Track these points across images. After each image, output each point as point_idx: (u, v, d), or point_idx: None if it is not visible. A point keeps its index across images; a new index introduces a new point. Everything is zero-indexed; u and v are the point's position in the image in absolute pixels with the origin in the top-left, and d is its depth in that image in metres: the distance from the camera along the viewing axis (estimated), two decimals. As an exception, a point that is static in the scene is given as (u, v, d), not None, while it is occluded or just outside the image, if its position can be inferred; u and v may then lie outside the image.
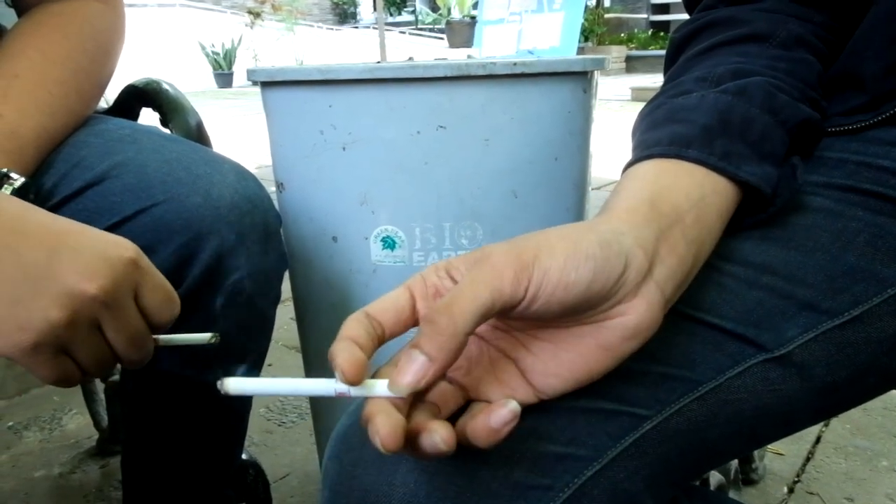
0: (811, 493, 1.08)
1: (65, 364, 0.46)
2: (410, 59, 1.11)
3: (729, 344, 0.41)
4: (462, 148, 0.78)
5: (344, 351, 0.31)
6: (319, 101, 0.79)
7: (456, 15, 12.15)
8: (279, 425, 1.32)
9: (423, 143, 0.77)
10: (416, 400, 0.34)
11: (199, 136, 0.82)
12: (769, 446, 1.18)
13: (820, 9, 0.49)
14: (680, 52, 0.52)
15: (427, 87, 0.76)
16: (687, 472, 0.42)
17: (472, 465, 0.36)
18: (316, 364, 0.97)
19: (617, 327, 0.34)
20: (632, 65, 10.81)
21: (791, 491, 1.09)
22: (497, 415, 0.31)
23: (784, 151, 0.43)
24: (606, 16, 11.74)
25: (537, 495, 0.36)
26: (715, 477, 0.95)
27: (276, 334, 0.72)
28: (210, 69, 11.58)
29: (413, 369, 0.30)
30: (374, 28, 10.58)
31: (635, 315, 0.34)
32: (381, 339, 0.33)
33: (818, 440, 1.22)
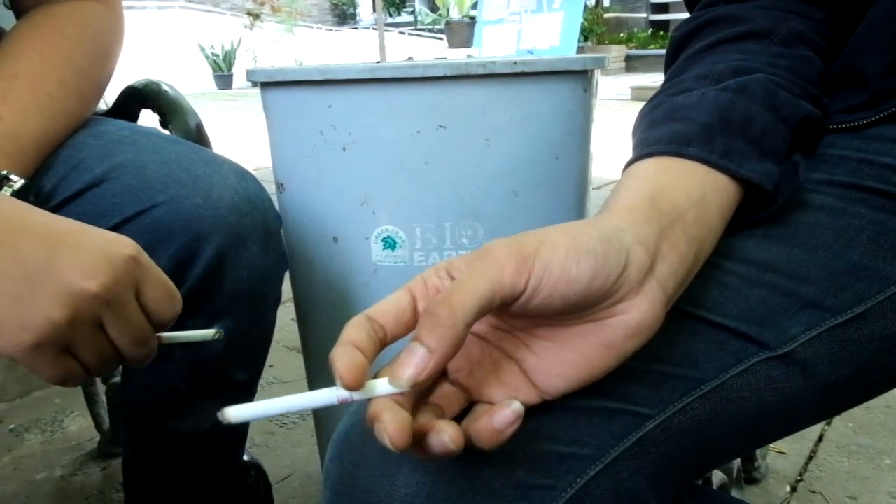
0: (814, 492, 1.08)
1: (68, 363, 0.45)
2: (410, 59, 1.11)
3: (732, 342, 0.41)
4: (462, 147, 0.78)
5: (343, 355, 0.31)
6: (319, 102, 0.79)
7: (455, 15, 12.16)
8: (281, 426, 1.32)
9: (423, 142, 0.77)
10: (419, 402, 0.34)
11: (198, 137, 0.82)
12: (771, 445, 1.18)
13: (821, 6, 0.49)
14: (680, 50, 0.52)
15: (427, 87, 0.76)
16: (690, 471, 0.42)
17: (475, 465, 0.36)
18: (317, 365, 0.97)
19: (619, 325, 0.34)
20: (631, 64, 10.81)
21: (794, 490, 1.09)
22: (501, 416, 0.31)
23: (785, 149, 0.43)
24: (606, 15, 11.74)
25: (540, 495, 0.36)
26: (717, 476, 0.95)
27: (276, 335, 0.72)
28: (210, 71, 11.59)
29: (413, 362, 0.30)
30: (374, 29, 10.59)
31: (637, 313, 0.34)
32: (383, 342, 0.33)
33: (821, 439, 1.22)
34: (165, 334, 0.50)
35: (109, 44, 0.70)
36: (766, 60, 0.45)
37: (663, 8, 12.46)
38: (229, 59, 11.64)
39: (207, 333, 0.50)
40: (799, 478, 1.12)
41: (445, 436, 0.30)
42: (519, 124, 0.78)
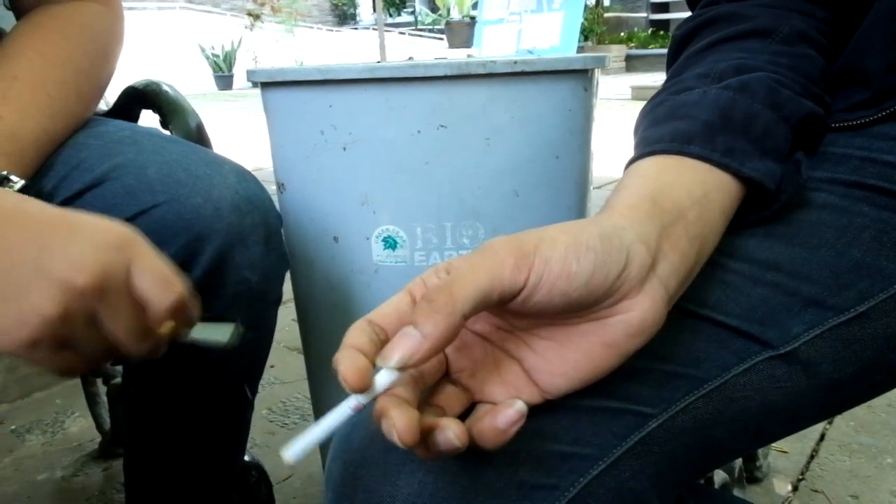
0: (816, 491, 1.08)
1: (67, 358, 0.45)
2: (410, 58, 1.11)
3: (734, 341, 0.41)
4: (463, 147, 0.78)
5: (346, 359, 0.30)
6: (319, 102, 0.79)
7: (455, 15, 12.16)
8: (282, 427, 1.32)
9: (423, 142, 0.77)
10: (421, 402, 0.33)
11: (199, 137, 0.82)
12: (773, 444, 1.18)
13: (823, 5, 0.49)
14: (682, 48, 0.52)
15: (427, 87, 0.76)
16: (693, 471, 0.42)
17: (477, 465, 0.36)
18: (318, 365, 0.97)
19: (621, 324, 0.34)
20: (632, 64, 10.81)
21: (795, 489, 1.09)
22: (503, 415, 0.31)
23: (787, 147, 0.42)
24: (606, 15, 11.74)
25: (542, 495, 0.36)
26: (719, 475, 0.95)
27: (277, 335, 0.72)
28: (210, 71, 11.60)
29: (406, 343, 0.30)
30: (374, 29, 10.59)
31: (639, 311, 0.34)
32: (385, 345, 0.33)
33: (822, 438, 1.21)
34: (191, 333, 0.49)
35: (109, 44, 0.70)
36: (768, 59, 0.45)
37: (663, 7, 12.47)
38: (229, 59, 11.65)
39: (222, 336, 0.49)
40: (801, 477, 1.12)
41: (450, 432, 0.30)
42: (519, 124, 0.78)
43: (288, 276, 0.77)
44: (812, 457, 1.17)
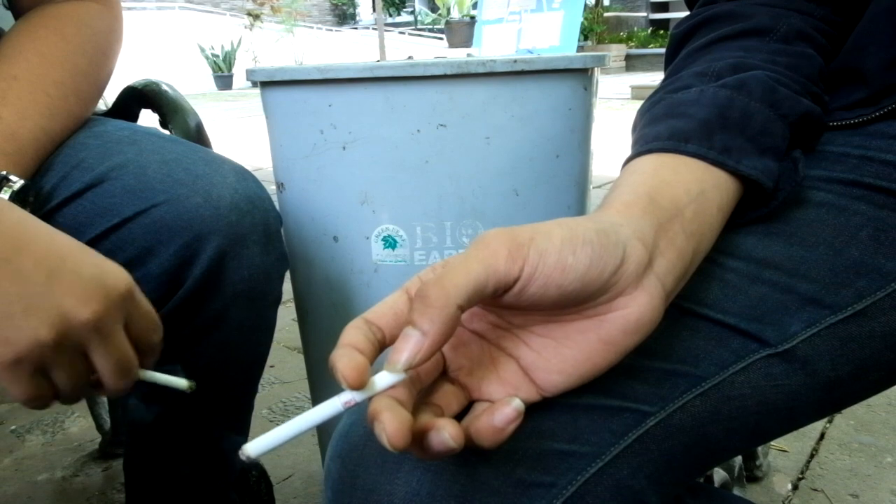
0: (816, 490, 1.08)
1: (40, 384, 0.46)
2: (410, 58, 1.11)
3: (732, 339, 0.41)
4: (463, 146, 0.78)
5: (344, 357, 0.30)
6: (319, 101, 0.79)
7: (455, 15, 12.16)
8: (282, 426, 1.31)
9: (423, 141, 0.77)
10: (419, 401, 0.33)
11: (198, 137, 0.82)
12: (773, 443, 1.18)
13: (821, 3, 0.49)
14: (680, 47, 0.52)
15: (427, 86, 0.76)
16: (690, 469, 0.42)
17: (475, 463, 0.36)
18: (318, 365, 0.97)
19: (618, 321, 0.34)
20: (631, 63, 10.81)
21: (795, 488, 1.09)
22: (501, 413, 0.31)
23: (785, 145, 0.43)
24: (606, 14, 11.74)
25: (540, 493, 0.36)
26: (719, 474, 0.95)
27: (277, 335, 0.72)
28: (210, 71, 11.60)
29: (408, 346, 0.30)
30: (374, 29, 10.59)
31: (637, 308, 0.34)
32: (382, 344, 0.33)
33: (822, 437, 1.21)
34: (145, 372, 0.51)
35: (108, 44, 0.70)
36: (766, 57, 0.45)
37: (663, 7, 12.47)
38: (229, 59, 11.65)
39: (182, 383, 0.52)
40: (801, 476, 1.12)
41: (445, 433, 0.30)
42: (519, 123, 0.78)
43: (288, 275, 0.77)
44: (812, 456, 1.17)
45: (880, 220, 0.43)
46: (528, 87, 0.78)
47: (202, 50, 11.47)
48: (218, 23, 12.67)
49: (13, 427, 1.35)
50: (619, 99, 6.96)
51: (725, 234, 0.41)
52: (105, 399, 1.20)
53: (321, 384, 0.98)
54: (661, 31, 11.69)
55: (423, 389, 0.35)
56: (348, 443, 0.38)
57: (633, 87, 7.25)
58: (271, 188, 0.78)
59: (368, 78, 0.76)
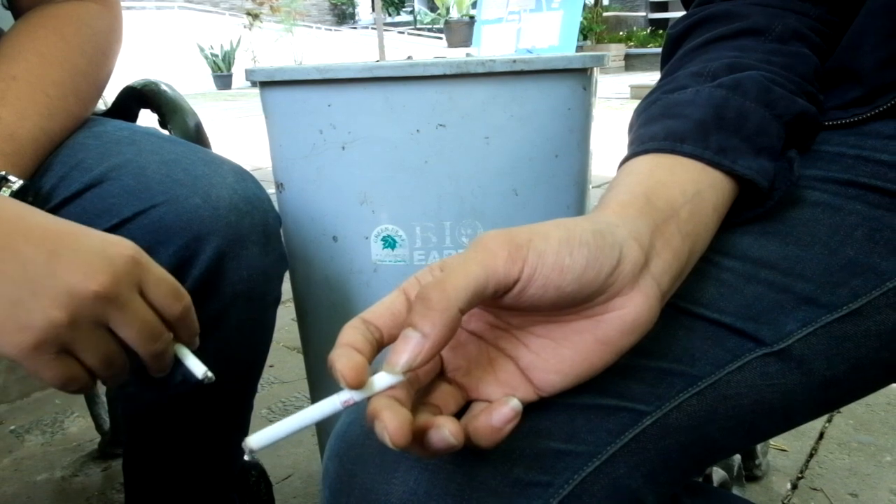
0: (815, 489, 1.08)
1: (69, 365, 0.45)
2: (409, 58, 1.11)
3: (728, 339, 0.41)
4: (462, 146, 0.78)
5: (343, 356, 0.31)
6: (318, 101, 0.79)
7: (454, 14, 12.16)
8: (281, 426, 1.31)
9: (422, 141, 0.77)
10: (416, 402, 0.34)
11: (197, 137, 0.82)
12: (772, 442, 1.18)
13: (817, 3, 0.49)
14: (676, 47, 0.52)
15: (427, 86, 0.76)
16: (687, 468, 0.42)
17: (473, 462, 0.36)
18: (317, 365, 0.97)
19: (615, 321, 0.34)
20: (631, 63, 10.81)
21: (795, 487, 1.09)
22: (499, 413, 0.31)
23: (780, 145, 0.43)
24: (605, 14, 11.74)
25: (537, 492, 0.36)
26: (718, 473, 0.96)
27: (276, 335, 0.72)
28: (209, 71, 11.59)
29: (408, 348, 0.30)
30: (373, 28, 10.59)
31: (633, 308, 0.34)
32: (380, 343, 0.33)
33: (821, 436, 1.22)
34: (179, 346, 0.50)
35: (107, 44, 0.70)
36: (761, 57, 0.45)
37: (662, 6, 12.47)
38: (228, 59, 11.64)
39: (202, 370, 0.51)
40: (800, 475, 1.12)
41: (446, 430, 0.30)
42: (518, 122, 0.78)
43: (287, 275, 0.77)
44: (811, 455, 1.17)
45: (875, 220, 0.43)
46: (528, 86, 0.78)
47: (201, 50, 11.47)
48: (217, 22, 12.67)
49: (12, 427, 1.35)
50: (618, 98, 6.96)
51: (721, 234, 0.41)
52: (105, 399, 1.20)
53: (321, 384, 0.98)
54: (661, 31, 11.68)
55: (420, 389, 0.35)
56: (346, 442, 0.39)
57: (633, 87, 7.25)
58: (270, 188, 0.79)
59: (368, 78, 0.76)
